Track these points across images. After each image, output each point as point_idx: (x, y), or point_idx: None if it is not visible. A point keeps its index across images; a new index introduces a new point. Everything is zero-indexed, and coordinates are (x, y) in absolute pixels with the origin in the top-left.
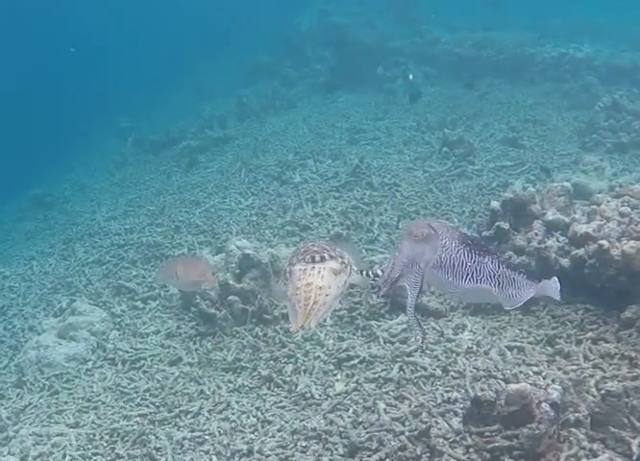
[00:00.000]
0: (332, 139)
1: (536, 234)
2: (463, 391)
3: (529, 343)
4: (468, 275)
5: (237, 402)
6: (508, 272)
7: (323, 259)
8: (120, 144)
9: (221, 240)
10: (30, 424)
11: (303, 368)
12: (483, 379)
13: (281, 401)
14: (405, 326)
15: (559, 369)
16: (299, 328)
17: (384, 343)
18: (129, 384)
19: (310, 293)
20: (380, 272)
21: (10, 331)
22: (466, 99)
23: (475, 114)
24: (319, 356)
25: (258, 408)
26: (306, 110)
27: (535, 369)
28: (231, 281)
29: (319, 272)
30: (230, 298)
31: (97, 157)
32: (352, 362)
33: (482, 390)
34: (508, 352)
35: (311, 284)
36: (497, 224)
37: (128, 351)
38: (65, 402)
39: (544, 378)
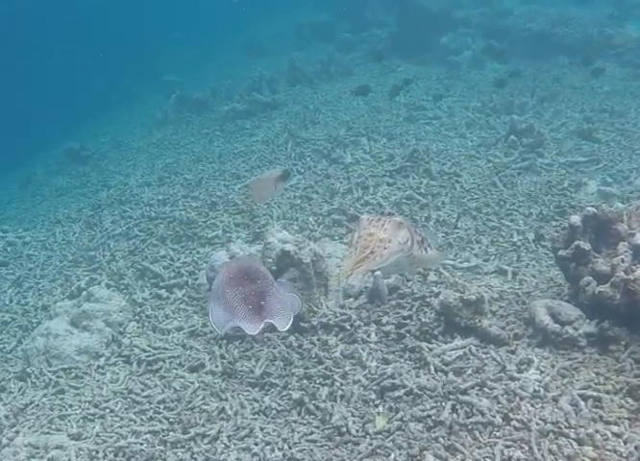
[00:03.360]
0: (389, 115)
1: (622, 261)
2: (527, 449)
3: (607, 392)
4: None
5: (262, 429)
6: None
7: (391, 214)
8: (163, 100)
9: (260, 225)
10: (28, 429)
11: (340, 393)
12: (552, 436)
13: (311, 433)
14: (461, 352)
15: None
16: (345, 275)
17: (436, 372)
18: (142, 391)
19: (370, 242)
20: None
21: (22, 308)
22: (536, 80)
23: (545, 98)
24: (359, 380)
25: (285, 440)
26: (362, 79)
27: (615, 429)
28: None
29: (383, 224)
30: None
31: (139, 113)
32: (397, 393)
33: (551, 452)
34: (582, 403)
35: (373, 235)
36: (576, 243)
37: (145, 350)
38: (70, 405)
39: (625, 443)
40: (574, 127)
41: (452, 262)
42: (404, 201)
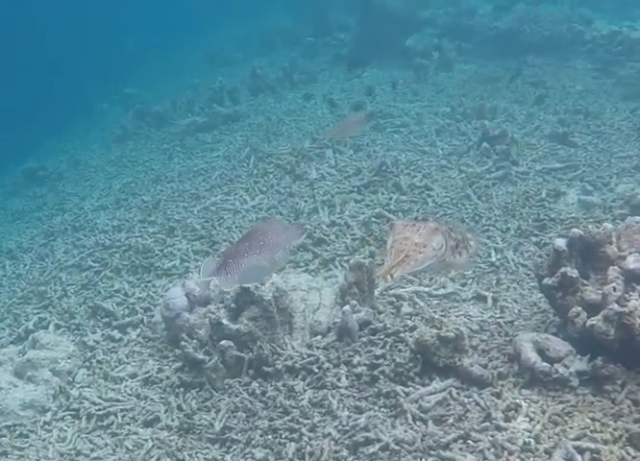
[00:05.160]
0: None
1: (614, 289)
2: None
3: (605, 441)
4: None
5: None
6: None
7: (425, 220)
8: (123, 114)
9: (219, 252)
10: None
11: (308, 449)
12: None
13: None
14: (440, 397)
15: None
16: (382, 277)
17: (414, 421)
18: (91, 451)
19: (405, 246)
20: None
21: None
22: (506, 81)
23: (516, 100)
24: (330, 433)
25: None
26: (326, 86)
27: None
28: (224, 321)
29: (418, 229)
30: (222, 343)
31: (99, 128)
32: (371, 449)
33: None
34: (578, 457)
35: (408, 239)
36: (563, 270)
37: (95, 403)
38: None
39: None
40: (548, 130)
41: (427, 289)
42: (373, 219)
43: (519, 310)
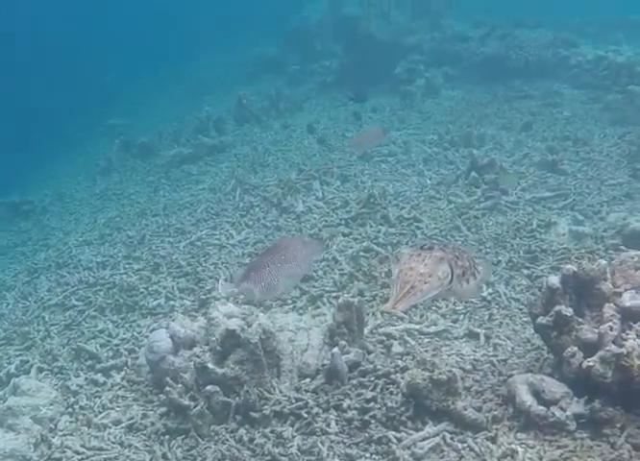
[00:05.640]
0: (342, 153)
1: (611, 328)
2: None
3: None
4: None
5: None
6: None
7: (431, 249)
8: (108, 145)
9: (205, 290)
10: None
11: None
12: None
13: None
14: (434, 442)
15: None
16: (389, 310)
17: None
18: None
19: (410, 277)
20: None
21: None
22: (493, 107)
23: (504, 127)
24: None
25: None
26: (313, 114)
27: None
28: (210, 365)
29: (424, 259)
30: (208, 388)
31: (84, 160)
32: None
33: None
34: None
35: (414, 269)
36: (557, 309)
37: (78, 452)
38: None
39: None
40: (537, 158)
41: (417, 327)
42: (361, 254)
43: (512, 348)
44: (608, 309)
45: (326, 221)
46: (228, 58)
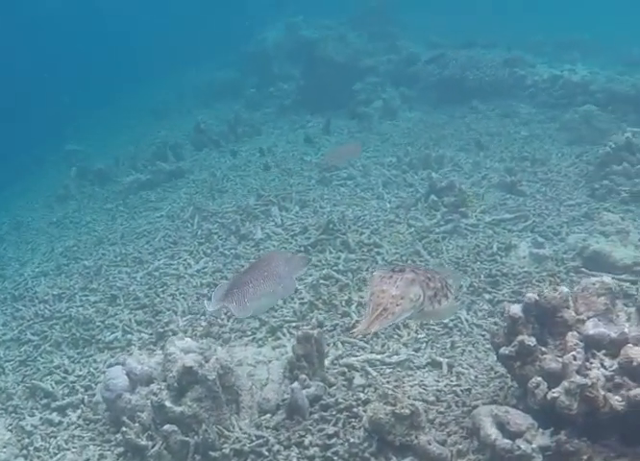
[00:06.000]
0: (301, 178)
1: (574, 358)
2: None
3: None
4: None
5: None
6: None
7: (402, 271)
8: (66, 172)
9: (163, 323)
10: None
11: None
12: None
13: None
14: None
15: None
16: (362, 333)
17: None
18: None
19: (382, 300)
20: None
21: None
22: (451, 128)
23: (462, 148)
24: None
25: None
26: (271, 138)
27: None
28: (167, 403)
29: (395, 281)
30: (165, 427)
31: (41, 187)
32: None
33: None
34: None
35: (385, 292)
36: (520, 339)
37: None
38: None
39: None
40: (496, 179)
41: (379, 357)
42: (321, 282)
43: (476, 376)
44: (571, 338)
45: (285, 248)
46: (185, 81)
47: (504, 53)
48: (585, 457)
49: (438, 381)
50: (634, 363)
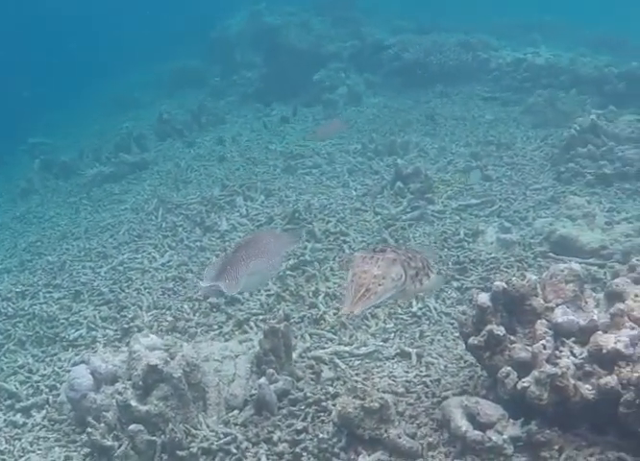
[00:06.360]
0: (265, 167)
1: (544, 347)
2: None
3: None
4: None
5: None
6: None
7: (384, 251)
8: (29, 165)
9: (128, 319)
10: None
11: None
12: None
13: None
14: None
15: None
16: (346, 314)
17: None
18: None
19: (364, 280)
20: None
21: None
22: (416, 113)
23: (427, 133)
24: None
25: None
26: (235, 127)
27: None
28: (133, 402)
29: (377, 261)
30: (131, 427)
31: (5, 181)
32: None
33: None
34: None
35: (367, 272)
36: (488, 328)
37: None
38: None
39: None
40: (462, 164)
41: (347, 349)
42: (288, 272)
43: (445, 366)
44: (540, 326)
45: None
46: (149, 71)
47: (466, 36)
48: (557, 447)
49: (407, 372)
50: (604, 351)
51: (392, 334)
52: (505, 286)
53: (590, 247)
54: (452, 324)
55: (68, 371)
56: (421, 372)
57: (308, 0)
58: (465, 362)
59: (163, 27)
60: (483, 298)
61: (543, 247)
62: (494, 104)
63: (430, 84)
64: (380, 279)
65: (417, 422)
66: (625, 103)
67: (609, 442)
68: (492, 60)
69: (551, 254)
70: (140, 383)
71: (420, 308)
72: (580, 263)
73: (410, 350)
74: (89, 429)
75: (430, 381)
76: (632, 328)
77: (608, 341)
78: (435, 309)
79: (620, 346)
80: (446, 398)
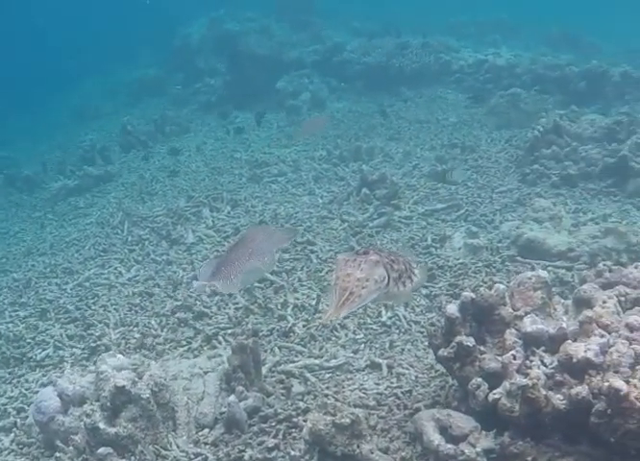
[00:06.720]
0: (231, 176)
1: (514, 357)
2: None
3: None
4: None
5: None
6: None
7: (366, 253)
8: None
9: (95, 337)
10: None
11: None
12: None
13: None
14: None
15: None
16: (329, 320)
17: None
18: None
19: (348, 283)
20: None
21: None
22: (380, 117)
23: (392, 138)
24: None
25: None
26: (199, 136)
27: None
28: (101, 424)
29: (360, 264)
30: (100, 451)
31: None
32: None
33: None
34: None
35: (351, 275)
36: (458, 340)
37: None
38: None
39: None
40: (427, 168)
41: (317, 362)
42: (256, 285)
43: (416, 376)
44: (510, 336)
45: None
46: (109, 80)
47: (426, 39)
48: (530, 458)
49: (378, 384)
50: (574, 360)
51: (362, 345)
52: (474, 296)
53: (557, 249)
54: (422, 332)
55: (36, 392)
56: (392, 383)
57: (268, 5)
58: (436, 372)
59: (123, 35)
60: (452, 309)
61: (510, 251)
62: (459, 106)
63: (392, 87)
64: (363, 281)
65: (389, 435)
66: (586, 101)
67: (582, 452)
68: (454, 61)
69: (518, 257)
70: (108, 405)
71: (390, 317)
72: (548, 266)
73: (381, 361)
74: (58, 454)
75: (402, 393)
76: (602, 336)
77: (578, 350)
78: (405, 318)
79: (590, 354)
80: (418, 409)
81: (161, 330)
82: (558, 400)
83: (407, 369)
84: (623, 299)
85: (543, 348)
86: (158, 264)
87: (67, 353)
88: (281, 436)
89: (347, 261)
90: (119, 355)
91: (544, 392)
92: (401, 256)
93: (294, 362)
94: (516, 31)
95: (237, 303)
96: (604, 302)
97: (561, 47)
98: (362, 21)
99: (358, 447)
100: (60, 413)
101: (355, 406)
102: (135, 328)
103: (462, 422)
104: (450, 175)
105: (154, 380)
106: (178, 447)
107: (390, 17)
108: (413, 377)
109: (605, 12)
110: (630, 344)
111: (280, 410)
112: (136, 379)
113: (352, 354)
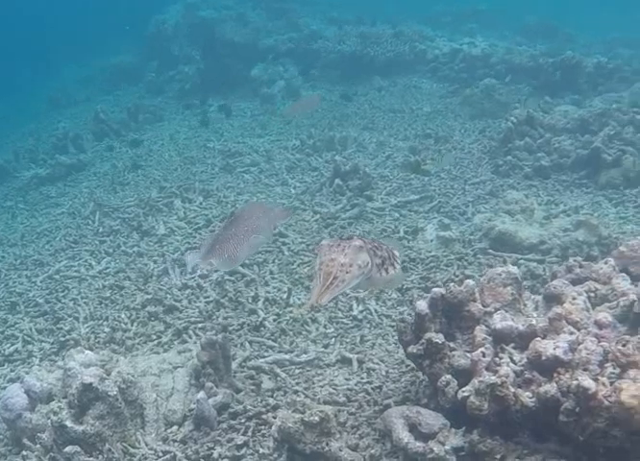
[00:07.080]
0: (204, 166)
1: (483, 355)
2: None
3: None
4: None
5: None
6: None
7: (350, 238)
8: None
9: (64, 331)
10: None
11: None
12: None
13: None
14: None
15: None
16: (312, 306)
17: None
18: None
19: (332, 268)
20: None
21: None
22: (354, 107)
23: (365, 127)
24: None
25: None
26: (173, 124)
27: None
28: (68, 422)
29: (344, 249)
30: (67, 449)
31: None
32: None
33: None
34: None
35: (334, 260)
36: (427, 337)
37: None
38: None
39: None
40: (400, 159)
41: (287, 357)
42: (227, 278)
43: (387, 372)
44: (480, 332)
45: (189, 243)
46: (83, 67)
47: (402, 27)
48: (499, 456)
49: (349, 380)
50: (543, 357)
51: (333, 339)
52: (444, 292)
53: (529, 242)
54: (393, 326)
55: (4, 388)
56: (362, 379)
57: None
58: (407, 367)
59: (97, 22)
60: (422, 305)
61: (482, 243)
62: (433, 96)
63: (367, 76)
64: (347, 266)
65: (359, 432)
66: (560, 92)
67: (551, 449)
68: (429, 50)
69: (490, 250)
70: (76, 402)
71: (361, 311)
72: (519, 259)
73: (351, 355)
74: (25, 452)
75: (372, 389)
76: (571, 333)
77: (547, 347)
78: (376, 312)
79: (559, 352)
80: (388, 406)
81: (131, 324)
82: (527, 397)
83: (378, 364)
84: (592, 295)
85: (512, 345)
86: (129, 256)
87: (36, 348)
88: (250, 433)
89: (331, 246)
90: (87, 351)
91: (513, 390)
92: (384, 244)
93: (264, 357)
94: (492, 21)
95: (208, 297)
96: (574, 298)
97: (537, 37)
98: (338, 9)
99: (327, 444)
100: (27, 410)
101: (325, 403)
102: (105, 322)
103: (432, 419)
104: (440, 160)
105: (122, 377)
106: (146, 444)
107: (371, 7)
108: (384, 373)
109: (582, 2)
110: (599, 341)
111: (249, 407)
112: (104, 376)
113: (322, 349)
